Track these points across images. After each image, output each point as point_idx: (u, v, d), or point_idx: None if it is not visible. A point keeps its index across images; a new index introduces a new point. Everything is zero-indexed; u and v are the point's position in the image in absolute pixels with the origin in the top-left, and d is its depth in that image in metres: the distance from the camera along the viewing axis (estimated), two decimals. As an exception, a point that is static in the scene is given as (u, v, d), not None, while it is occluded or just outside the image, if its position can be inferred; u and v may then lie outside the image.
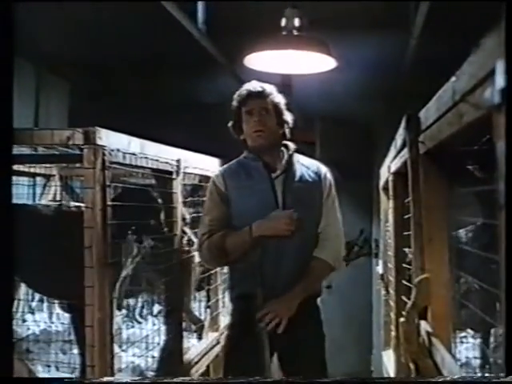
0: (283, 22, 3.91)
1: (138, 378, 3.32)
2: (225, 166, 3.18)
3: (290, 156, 3.09)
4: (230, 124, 3.07)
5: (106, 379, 2.39)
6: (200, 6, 4.21)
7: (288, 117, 3.10)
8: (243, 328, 2.94)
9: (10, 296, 1.67)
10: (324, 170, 3.14)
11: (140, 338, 3.74)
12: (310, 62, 4.20)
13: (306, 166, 3.11)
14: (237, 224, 2.97)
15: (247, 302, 2.93)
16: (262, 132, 2.99)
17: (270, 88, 3.07)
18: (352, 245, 6.57)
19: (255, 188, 2.99)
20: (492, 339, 2.57)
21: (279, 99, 3.08)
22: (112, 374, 2.61)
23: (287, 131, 3.11)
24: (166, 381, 1.91)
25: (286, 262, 2.95)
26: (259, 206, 2.95)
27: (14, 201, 3.55)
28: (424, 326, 2.21)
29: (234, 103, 3.04)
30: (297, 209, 2.94)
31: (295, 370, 2.91)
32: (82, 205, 2.79)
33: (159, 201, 3.35)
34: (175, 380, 1.71)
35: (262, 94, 3.03)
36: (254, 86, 3.06)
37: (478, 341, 2.84)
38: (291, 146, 3.13)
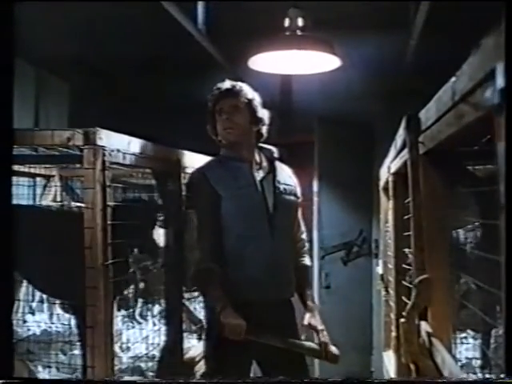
0: (286, 22, 3.91)
1: (137, 378, 3.33)
2: (203, 165, 3.10)
3: (274, 159, 3.13)
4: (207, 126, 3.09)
5: (104, 379, 2.41)
6: (200, 7, 4.21)
7: (263, 114, 3.09)
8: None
9: (10, 296, 1.67)
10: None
11: (140, 338, 3.74)
12: (315, 62, 4.20)
13: (283, 168, 3.18)
14: (225, 225, 2.94)
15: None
16: (231, 129, 3.00)
17: (241, 86, 3.06)
18: (351, 245, 6.57)
19: (243, 189, 2.98)
20: (492, 340, 2.57)
21: (252, 96, 3.06)
22: (112, 375, 2.61)
23: (263, 129, 3.11)
24: (165, 381, 1.91)
25: (279, 270, 3.00)
26: (248, 208, 2.96)
27: (15, 201, 3.57)
28: (424, 326, 2.21)
29: (208, 103, 3.06)
30: (283, 212, 3.03)
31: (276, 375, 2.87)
32: (82, 205, 2.79)
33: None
34: (175, 381, 1.71)
35: (232, 93, 3.02)
36: (224, 84, 3.06)
37: (479, 341, 2.85)
38: (273, 149, 3.17)
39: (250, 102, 3.04)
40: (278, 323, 2.94)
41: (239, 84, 3.06)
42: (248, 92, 3.06)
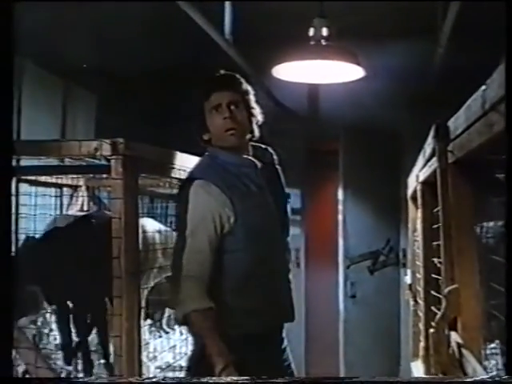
0: (311, 31, 3.91)
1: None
2: (203, 171, 2.54)
3: (273, 162, 2.71)
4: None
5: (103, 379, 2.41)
6: (227, 16, 4.22)
7: (258, 110, 2.64)
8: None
9: (10, 296, 1.69)
10: None
11: (167, 347, 3.75)
12: (338, 72, 4.20)
13: (281, 173, 2.76)
14: (232, 246, 2.46)
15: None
16: (234, 130, 2.52)
17: (237, 76, 2.63)
18: (378, 254, 6.54)
19: (256, 200, 2.51)
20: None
21: (248, 88, 2.62)
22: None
23: (256, 128, 2.64)
24: (168, 381, 1.91)
25: (290, 293, 2.64)
26: (263, 223, 2.51)
27: (41, 211, 3.61)
28: (454, 337, 2.18)
29: (199, 97, 2.60)
30: (287, 225, 2.66)
31: None
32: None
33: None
34: (179, 381, 1.71)
35: (231, 84, 2.59)
36: (220, 74, 2.63)
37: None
38: (270, 149, 2.74)
39: (247, 94, 2.60)
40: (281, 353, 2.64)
41: (234, 74, 2.64)
42: (244, 82, 2.62)
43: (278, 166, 2.73)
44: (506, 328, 1.20)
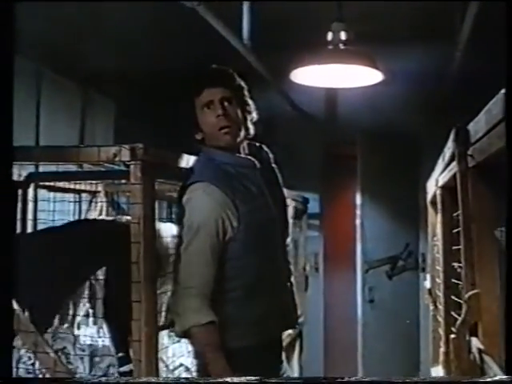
0: (329, 35, 3.90)
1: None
2: (205, 172, 2.38)
3: (270, 161, 2.57)
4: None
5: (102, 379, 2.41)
6: (245, 21, 4.23)
7: (252, 107, 2.48)
8: None
9: (10, 296, 1.70)
10: None
11: (186, 352, 3.74)
12: (357, 76, 4.19)
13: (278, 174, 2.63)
14: (234, 253, 2.32)
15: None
16: (229, 128, 2.37)
17: (229, 71, 2.47)
18: (396, 259, 6.52)
19: (258, 203, 2.37)
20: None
21: (241, 84, 2.47)
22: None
23: (251, 126, 2.47)
24: (169, 381, 1.91)
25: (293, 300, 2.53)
26: (265, 227, 2.38)
27: (59, 217, 3.62)
28: (475, 342, 2.17)
29: (190, 93, 2.48)
30: (287, 228, 2.55)
31: None
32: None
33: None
34: (179, 381, 1.71)
35: (223, 79, 2.42)
36: (212, 68, 2.49)
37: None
38: (266, 148, 2.60)
39: (241, 89, 2.45)
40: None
41: (226, 68, 2.48)
42: (237, 77, 2.46)
43: (274, 165, 2.59)
44: (505, 328, 1.19)
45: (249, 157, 2.44)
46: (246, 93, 2.45)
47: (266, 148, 2.58)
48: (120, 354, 3.07)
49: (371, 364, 6.38)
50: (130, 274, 2.51)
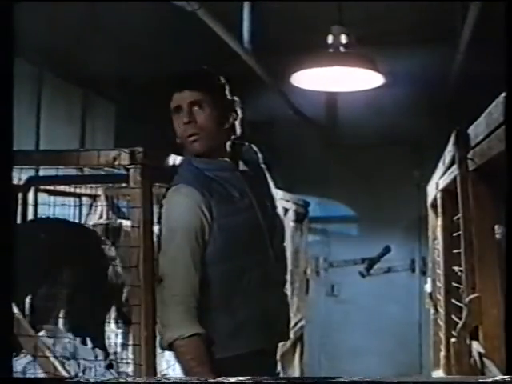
0: (330, 38, 3.90)
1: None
2: (185, 175, 2.25)
3: (258, 162, 2.43)
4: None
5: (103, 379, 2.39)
6: (245, 25, 4.23)
7: (236, 105, 2.31)
8: None
9: (10, 296, 1.70)
10: None
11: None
12: (357, 79, 4.19)
13: (268, 175, 2.48)
14: (215, 259, 2.18)
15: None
16: (197, 135, 2.21)
17: (202, 72, 2.32)
18: (374, 262, 6.71)
19: (240, 206, 2.23)
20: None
21: (219, 83, 2.29)
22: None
23: (237, 124, 2.30)
24: (164, 381, 1.90)
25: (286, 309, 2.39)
26: (250, 233, 2.24)
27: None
28: (476, 346, 2.16)
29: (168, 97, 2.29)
30: (278, 232, 2.36)
31: None
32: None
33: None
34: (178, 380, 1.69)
35: (190, 83, 2.24)
36: (180, 73, 2.32)
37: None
38: (255, 148, 2.44)
39: (216, 90, 2.26)
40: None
41: (199, 69, 2.33)
42: (211, 78, 2.29)
43: (263, 165, 2.44)
44: (505, 328, 1.18)
45: (227, 160, 2.28)
46: (226, 92, 2.28)
47: (254, 148, 2.43)
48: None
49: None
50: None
